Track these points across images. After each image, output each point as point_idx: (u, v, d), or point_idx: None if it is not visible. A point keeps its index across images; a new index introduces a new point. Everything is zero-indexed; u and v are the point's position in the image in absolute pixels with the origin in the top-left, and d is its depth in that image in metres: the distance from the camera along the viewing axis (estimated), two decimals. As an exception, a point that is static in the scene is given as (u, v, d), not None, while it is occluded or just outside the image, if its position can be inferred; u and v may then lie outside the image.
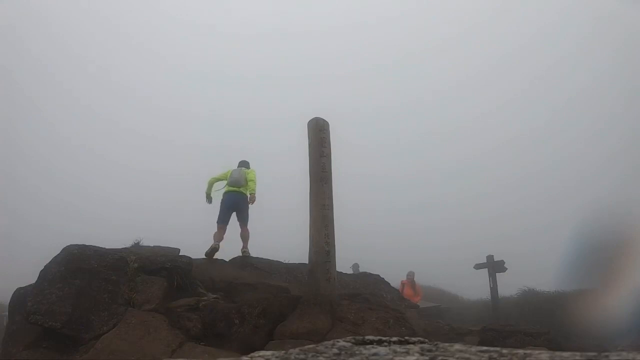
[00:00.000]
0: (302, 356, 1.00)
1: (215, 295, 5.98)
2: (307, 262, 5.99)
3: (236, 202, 7.77)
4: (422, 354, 0.97)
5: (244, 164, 8.26)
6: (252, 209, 8.53)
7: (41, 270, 5.26)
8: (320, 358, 0.98)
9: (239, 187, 7.83)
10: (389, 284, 9.79)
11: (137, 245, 6.47)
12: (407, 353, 0.98)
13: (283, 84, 52.39)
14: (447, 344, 1.07)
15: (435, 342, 1.12)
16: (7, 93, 40.34)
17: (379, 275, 9.67)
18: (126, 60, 54.32)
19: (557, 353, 0.96)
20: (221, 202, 7.86)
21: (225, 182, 8.04)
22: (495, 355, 0.96)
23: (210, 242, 7.57)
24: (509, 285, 11.37)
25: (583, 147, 38.85)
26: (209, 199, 7.97)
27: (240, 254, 8.05)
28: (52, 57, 47.15)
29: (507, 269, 11.05)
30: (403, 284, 11.64)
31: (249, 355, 1.08)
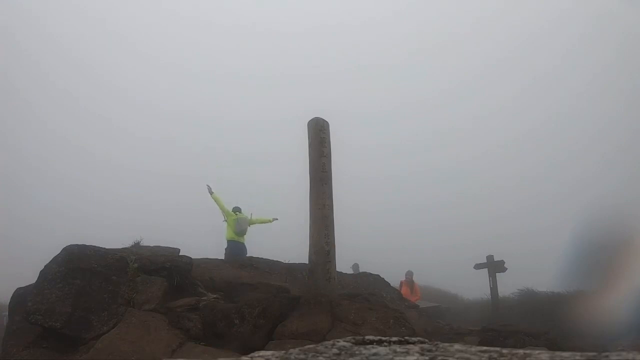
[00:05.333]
0: (302, 356, 1.00)
1: (215, 295, 5.98)
2: (307, 262, 5.99)
3: (240, 250, 9.12)
4: (422, 354, 0.97)
5: (238, 209, 9.53)
6: (253, 210, 9.07)
7: (41, 270, 5.26)
8: (320, 358, 0.98)
9: (242, 237, 9.29)
10: (389, 284, 9.80)
11: (137, 245, 6.47)
12: (407, 353, 0.98)
13: (283, 84, 52.29)
14: (447, 344, 1.08)
15: (435, 342, 1.12)
16: (4, 95, 40.25)
17: (379, 275, 9.68)
18: (124, 61, 54.18)
19: (557, 353, 0.96)
20: (227, 249, 9.13)
21: (223, 213, 9.36)
22: (495, 355, 0.96)
23: (210, 245, 7.84)
24: (509, 285, 11.35)
25: (583, 147, 38.80)
26: (210, 190, 9.29)
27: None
28: (49, 58, 47.04)
29: (507, 269, 11.03)
30: (401, 283, 11.65)
31: (249, 355, 1.08)
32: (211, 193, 9.18)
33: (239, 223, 9.15)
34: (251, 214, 9.59)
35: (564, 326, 7.51)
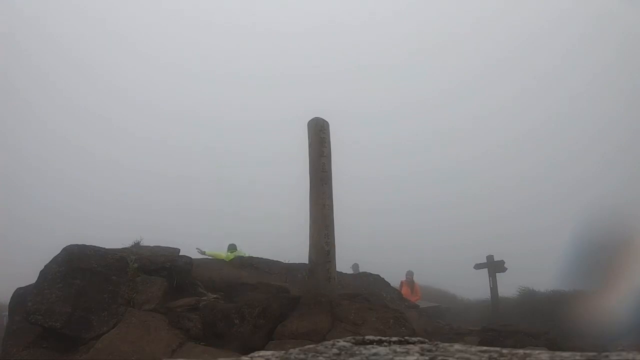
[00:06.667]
0: (302, 356, 1.00)
1: (215, 295, 5.98)
2: (307, 262, 5.99)
3: None
4: (422, 354, 0.97)
5: (234, 247, 9.80)
6: (253, 210, 9.02)
7: (41, 270, 5.26)
8: (320, 358, 0.98)
9: None
10: (389, 284, 9.81)
11: (137, 245, 6.46)
12: (407, 353, 0.98)
13: (283, 84, 52.21)
14: (447, 344, 1.08)
15: (435, 342, 1.12)
16: (4, 95, 40.15)
17: (379, 275, 9.69)
18: (124, 60, 54.08)
19: (557, 353, 0.96)
20: None
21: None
22: (495, 355, 0.96)
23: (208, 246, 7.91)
24: (509, 285, 11.35)
25: (583, 147, 38.75)
26: (201, 251, 9.50)
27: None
28: (49, 58, 46.96)
29: (507, 269, 11.03)
30: (402, 283, 11.65)
31: (249, 355, 1.08)
32: (203, 252, 9.51)
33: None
34: (248, 254, 9.96)
35: (564, 326, 7.51)
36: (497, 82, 47.98)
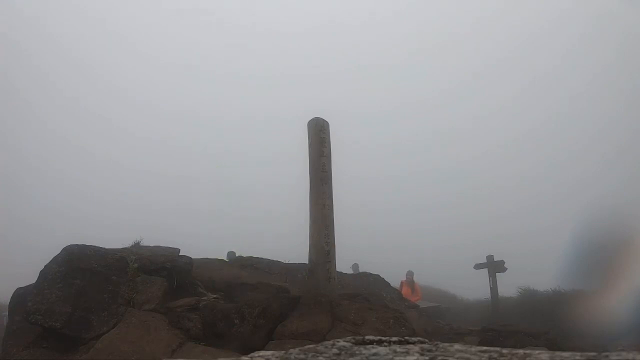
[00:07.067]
0: (302, 356, 1.00)
1: (215, 295, 5.98)
2: (307, 262, 5.99)
3: None
4: (422, 354, 0.97)
5: (233, 254, 10.15)
6: (253, 210, 8.97)
7: (41, 270, 5.26)
8: (320, 358, 0.98)
9: None
10: (389, 284, 9.82)
11: (137, 245, 6.46)
12: (407, 353, 0.98)
13: (283, 84, 52.19)
14: (447, 344, 1.08)
15: (435, 342, 1.12)
16: (4, 95, 40.14)
17: (379, 275, 9.70)
18: (124, 60, 54.04)
19: (557, 353, 0.96)
20: None
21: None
22: (495, 355, 0.96)
23: (208, 246, 7.80)
24: (509, 285, 11.37)
25: (583, 147, 38.73)
26: None
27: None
28: (49, 58, 46.92)
29: (507, 269, 11.05)
30: (402, 283, 11.66)
31: (249, 355, 1.08)
32: None
33: None
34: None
35: (564, 326, 7.52)
36: (497, 82, 47.95)
